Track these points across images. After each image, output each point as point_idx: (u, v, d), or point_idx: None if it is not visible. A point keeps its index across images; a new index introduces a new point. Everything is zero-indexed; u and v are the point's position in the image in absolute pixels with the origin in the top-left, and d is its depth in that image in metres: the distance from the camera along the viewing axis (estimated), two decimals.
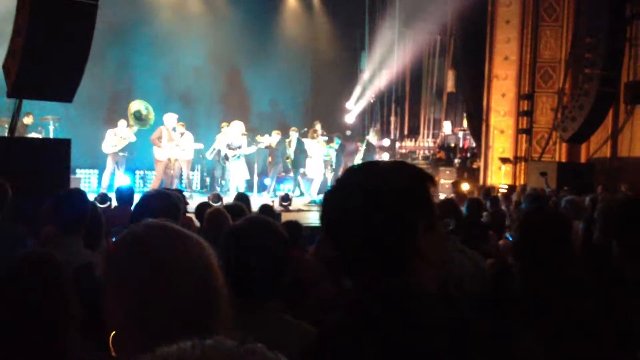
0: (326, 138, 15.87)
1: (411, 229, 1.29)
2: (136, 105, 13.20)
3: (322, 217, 1.38)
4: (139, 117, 13.11)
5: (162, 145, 12.94)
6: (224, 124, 14.50)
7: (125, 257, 1.34)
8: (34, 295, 1.80)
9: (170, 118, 13.18)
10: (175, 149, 13.07)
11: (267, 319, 1.93)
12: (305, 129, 17.25)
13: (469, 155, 17.28)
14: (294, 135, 14.92)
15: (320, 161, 14.88)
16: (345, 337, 1.30)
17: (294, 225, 5.00)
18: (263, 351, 0.80)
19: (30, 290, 1.81)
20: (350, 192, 1.34)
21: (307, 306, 2.78)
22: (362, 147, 16.43)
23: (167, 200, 3.01)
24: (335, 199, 1.37)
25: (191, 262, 1.34)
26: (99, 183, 14.22)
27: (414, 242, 1.29)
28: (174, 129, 13.13)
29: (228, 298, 1.40)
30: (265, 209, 6.72)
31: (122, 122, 13.13)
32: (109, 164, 13.15)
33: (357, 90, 18.93)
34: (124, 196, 6.59)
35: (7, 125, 9.78)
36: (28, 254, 2.16)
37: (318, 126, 16.28)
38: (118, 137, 13.05)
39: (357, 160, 15.07)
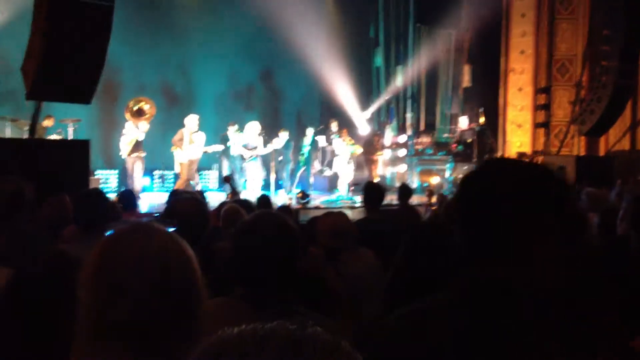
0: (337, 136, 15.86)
1: (542, 230, 1.36)
2: (137, 102, 13.20)
3: (463, 196, 1.45)
4: (141, 113, 13.10)
5: (184, 147, 12.99)
6: (232, 122, 14.50)
7: (96, 261, 1.35)
8: (52, 295, 1.83)
9: (192, 120, 13.19)
10: (196, 151, 13.10)
11: (279, 312, 1.95)
12: (322, 127, 17.26)
13: (486, 150, 17.19)
14: (310, 132, 14.98)
15: (347, 159, 14.94)
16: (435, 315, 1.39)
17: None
18: (324, 335, 0.80)
19: (49, 290, 1.84)
20: (494, 183, 1.40)
21: (322, 301, 2.80)
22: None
23: (197, 207, 3.06)
24: (480, 185, 1.43)
25: (159, 261, 1.33)
26: (118, 184, 14.33)
27: (540, 242, 1.36)
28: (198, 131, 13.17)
29: (204, 296, 1.39)
30: (283, 209, 6.84)
31: (128, 124, 13.06)
32: (129, 167, 13.15)
33: (372, 87, 18.91)
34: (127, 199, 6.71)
35: (27, 128, 9.93)
36: (47, 254, 2.20)
37: (334, 124, 16.27)
38: (128, 139, 13.02)
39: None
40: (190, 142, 13.06)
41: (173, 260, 1.34)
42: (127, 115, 13.07)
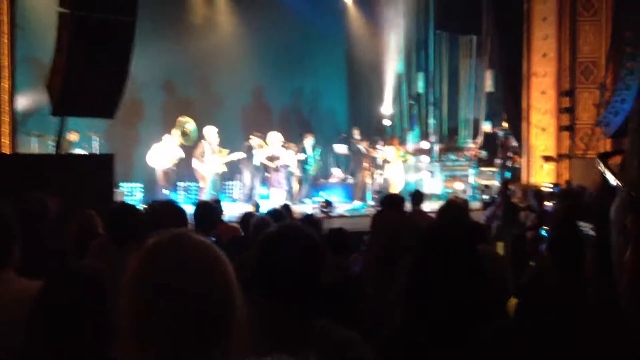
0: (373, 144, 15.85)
1: None
2: (189, 124, 13.44)
3: None
4: (185, 135, 13.35)
5: (205, 160, 13.10)
6: (254, 133, 14.55)
7: (137, 267, 1.37)
8: (80, 308, 1.86)
9: (211, 131, 13.33)
10: (218, 162, 13.23)
11: (301, 324, 1.97)
12: (344, 135, 17.26)
13: (510, 154, 17.07)
14: (308, 142, 15.09)
15: (399, 166, 15.05)
16: None
17: (338, 232, 5.06)
18: None
19: (76, 302, 1.87)
20: None
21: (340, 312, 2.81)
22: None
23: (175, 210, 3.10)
24: None
25: (200, 275, 1.35)
26: (144, 196, 14.44)
27: None
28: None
29: (244, 315, 1.40)
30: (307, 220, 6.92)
31: (170, 138, 13.16)
32: (161, 179, 13.25)
33: (394, 94, 18.89)
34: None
35: (52, 143, 10.08)
36: (75, 267, 2.23)
37: (356, 132, 16.29)
38: (172, 153, 13.11)
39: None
40: (213, 152, 13.17)
41: (209, 270, 1.37)
42: (176, 132, 13.20)
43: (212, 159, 13.16)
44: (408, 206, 7.86)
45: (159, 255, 1.37)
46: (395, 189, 14.74)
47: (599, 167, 6.57)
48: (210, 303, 1.34)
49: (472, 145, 18.19)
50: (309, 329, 1.98)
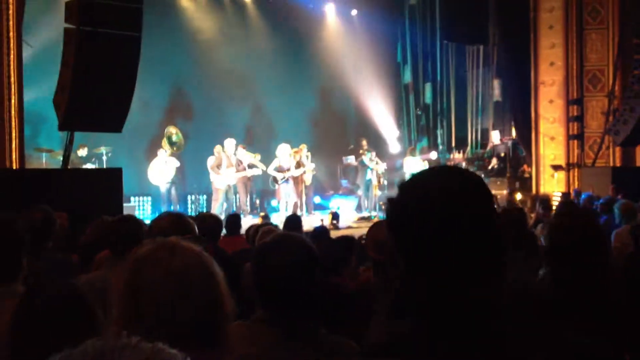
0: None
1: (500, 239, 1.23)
2: (168, 130, 13.56)
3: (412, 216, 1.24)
4: (172, 142, 13.43)
5: (222, 172, 13.18)
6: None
7: (125, 277, 1.43)
8: (56, 323, 1.84)
9: (230, 144, 13.47)
10: (235, 175, 13.36)
11: (298, 332, 1.97)
12: (352, 146, 17.28)
13: (519, 164, 17.03)
14: (303, 153, 15.10)
15: None
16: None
17: (348, 240, 5.00)
18: (139, 344, 0.79)
19: (52, 319, 1.85)
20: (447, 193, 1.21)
21: (344, 321, 2.80)
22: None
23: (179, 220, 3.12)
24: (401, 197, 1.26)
25: (180, 277, 1.41)
26: (153, 210, 14.48)
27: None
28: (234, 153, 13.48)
29: (229, 310, 1.48)
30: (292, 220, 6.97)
31: (162, 152, 13.34)
32: (164, 192, 13.38)
33: (402, 105, 18.90)
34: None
35: (61, 157, 10.14)
36: (53, 285, 2.22)
37: (364, 142, 16.29)
38: (167, 166, 13.24)
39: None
40: (229, 166, 13.27)
41: (194, 277, 1.42)
42: (163, 143, 13.36)
43: (227, 172, 13.26)
44: None
45: (144, 265, 1.40)
46: None
47: None
48: (194, 308, 1.38)
49: (486, 155, 18.11)
50: (310, 337, 1.98)
